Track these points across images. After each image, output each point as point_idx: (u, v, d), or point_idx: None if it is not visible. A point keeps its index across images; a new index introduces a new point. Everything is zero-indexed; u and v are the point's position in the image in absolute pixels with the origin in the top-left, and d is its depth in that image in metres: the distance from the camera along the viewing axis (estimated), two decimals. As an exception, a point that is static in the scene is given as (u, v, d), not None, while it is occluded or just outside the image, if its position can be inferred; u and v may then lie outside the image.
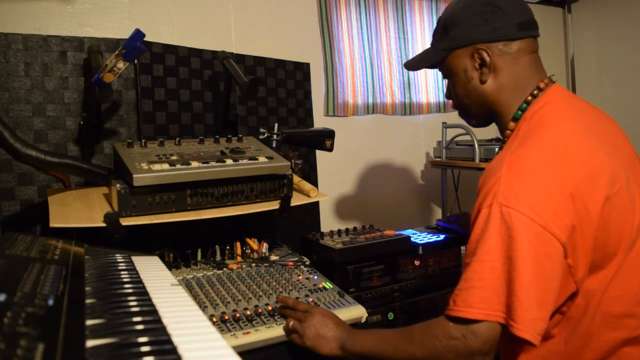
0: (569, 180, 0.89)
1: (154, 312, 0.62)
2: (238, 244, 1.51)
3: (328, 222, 2.21)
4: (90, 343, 0.50)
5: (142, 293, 0.70)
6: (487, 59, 1.05)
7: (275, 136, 1.59)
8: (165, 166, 1.22)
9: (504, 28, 1.04)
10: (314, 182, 2.12)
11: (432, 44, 1.17)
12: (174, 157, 1.28)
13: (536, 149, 0.94)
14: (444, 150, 2.39)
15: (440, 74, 1.20)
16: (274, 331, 1.09)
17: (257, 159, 1.34)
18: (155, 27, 1.86)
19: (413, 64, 1.22)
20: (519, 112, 1.05)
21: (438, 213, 2.59)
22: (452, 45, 1.09)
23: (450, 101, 1.20)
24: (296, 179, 1.49)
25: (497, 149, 2.10)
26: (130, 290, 0.71)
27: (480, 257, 0.89)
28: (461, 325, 0.89)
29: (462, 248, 1.85)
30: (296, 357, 1.14)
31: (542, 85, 1.05)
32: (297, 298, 1.22)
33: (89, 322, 0.55)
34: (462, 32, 1.07)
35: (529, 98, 1.05)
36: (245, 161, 1.32)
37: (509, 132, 1.07)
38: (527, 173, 0.91)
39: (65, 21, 1.69)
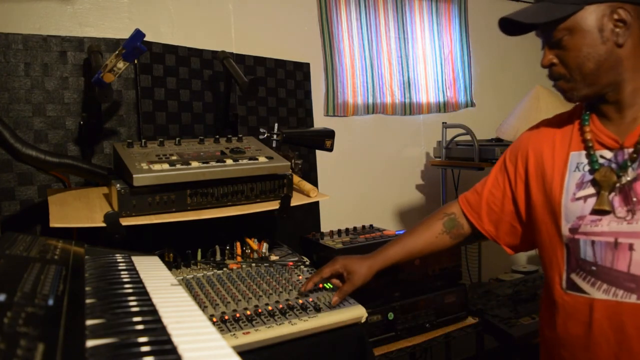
0: None
1: (154, 312, 0.62)
2: (238, 244, 1.51)
3: (328, 222, 2.21)
4: (90, 343, 0.50)
5: (142, 293, 0.70)
6: (629, 19, 0.95)
7: (275, 136, 1.59)
8: (165, 166, 1.22)
9: None
10: (314, 182, 2.12)
11: None
12: (174, 157, 1.28)
13: None
14: (444, 150, 2.39)
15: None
16: (274, 331, 1.09)
17: (257, 159, 1.34)
18: (155, 27, 1.86)
19: (526, 16, 1.01)
20: None
21: (438, 213, 2.59)
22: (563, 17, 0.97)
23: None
24: (296, 179, 1.49)
25: (496, 149, 2.09)
26: (130, 290, 0.71)
27: None
28: None
29: (462, 248, 1.84)
30: (296, 357, 1.14)
31: None
32: (297, 298, 1.22)
33: (89, 322, 0.55)
34: None
35: None
36: (245, 161, 1.32)
37: None
38: None
39: (65, 21, 1.69)
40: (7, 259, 0.69)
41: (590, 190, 1.01)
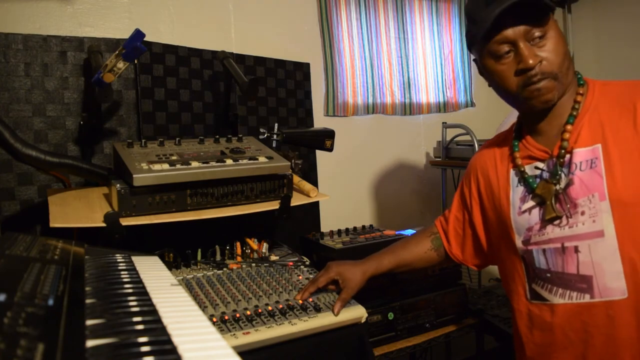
0: None
1: (154, 312, 0.62)
2: (238, 244, 1.51)
3: (328, 222, 2.21)
4: (90, 343, 0.50)
5: (142, 293, 0.70)
6: None
7: (275, 136, 1.59)
8: (165, 166, 1.22)
9: None
10: (314, 182, 2.12)
11: None
12: (174, 157, 1.28)
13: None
14: (444, 150, 2.39)
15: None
16: (274, 331, 1.09)
17: (257, 159, 1.34)
18: (155, 27, 1.86)
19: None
20: (581, 80, 1.05)
21: (438, 213, 2.59)
22: (553, 7, 0.98)
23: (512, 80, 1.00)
24: (296, 179, 1.49)
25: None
26: (130, 290, 0.71)
27: None
28: None
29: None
30: (296, 357, 1.14)
31: None
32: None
33: (89, 322, 0.55)
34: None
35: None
36: (245, 161, 1.32)
37: (580, 96, 1.02)
38: None
39: (65, 21, 1.69)
40: (7, 259, 0.69)
41: (532, 202, 1.06)
